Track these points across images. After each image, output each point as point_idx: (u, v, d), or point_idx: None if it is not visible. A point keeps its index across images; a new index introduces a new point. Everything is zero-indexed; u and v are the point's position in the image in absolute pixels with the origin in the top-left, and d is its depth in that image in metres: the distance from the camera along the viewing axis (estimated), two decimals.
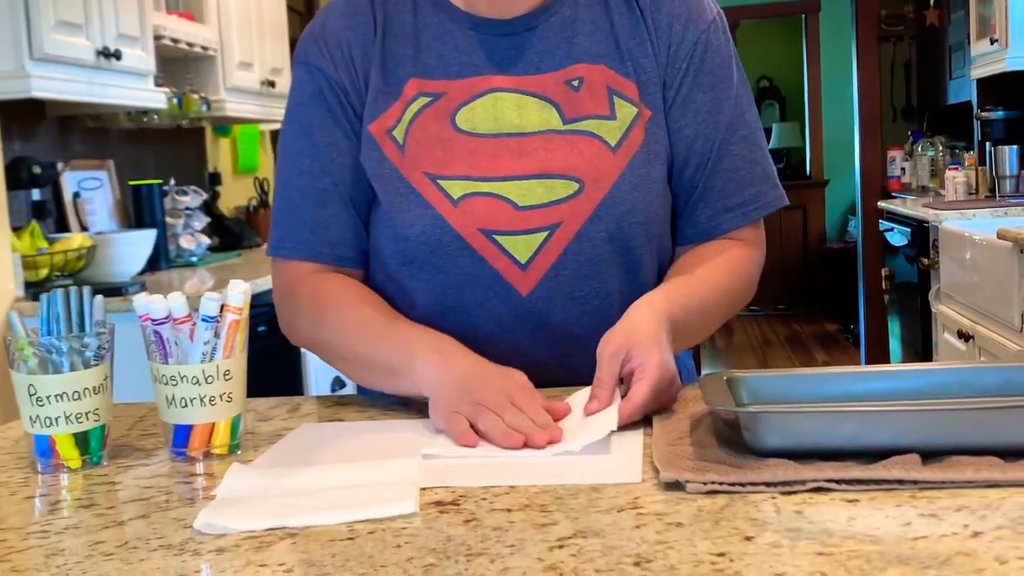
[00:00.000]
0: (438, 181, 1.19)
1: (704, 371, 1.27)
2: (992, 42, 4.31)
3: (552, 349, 1.22)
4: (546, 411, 1.03)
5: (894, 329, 5.10)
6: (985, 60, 4.50)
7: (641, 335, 1.06)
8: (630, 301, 1.15)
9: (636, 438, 0.98)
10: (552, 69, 1.22)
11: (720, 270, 1.23)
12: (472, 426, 1.00)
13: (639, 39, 1.23)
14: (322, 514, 0.81)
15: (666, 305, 1.12)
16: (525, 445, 0.97)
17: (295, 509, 0.82)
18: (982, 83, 4.79)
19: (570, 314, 1.21)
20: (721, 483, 0.81)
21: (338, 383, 3.38)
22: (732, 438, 0.91)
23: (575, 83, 1.22)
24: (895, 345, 5.08)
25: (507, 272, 1.19)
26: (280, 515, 0.81)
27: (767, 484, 0.81)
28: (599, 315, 1.20)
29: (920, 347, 4.32)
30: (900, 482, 0.79)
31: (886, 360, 5.50)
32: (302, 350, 3.14)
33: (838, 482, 0.80)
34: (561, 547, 0.72)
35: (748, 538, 0.71)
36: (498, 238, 1.19)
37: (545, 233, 1.19)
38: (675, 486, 0.83)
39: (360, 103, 1.24)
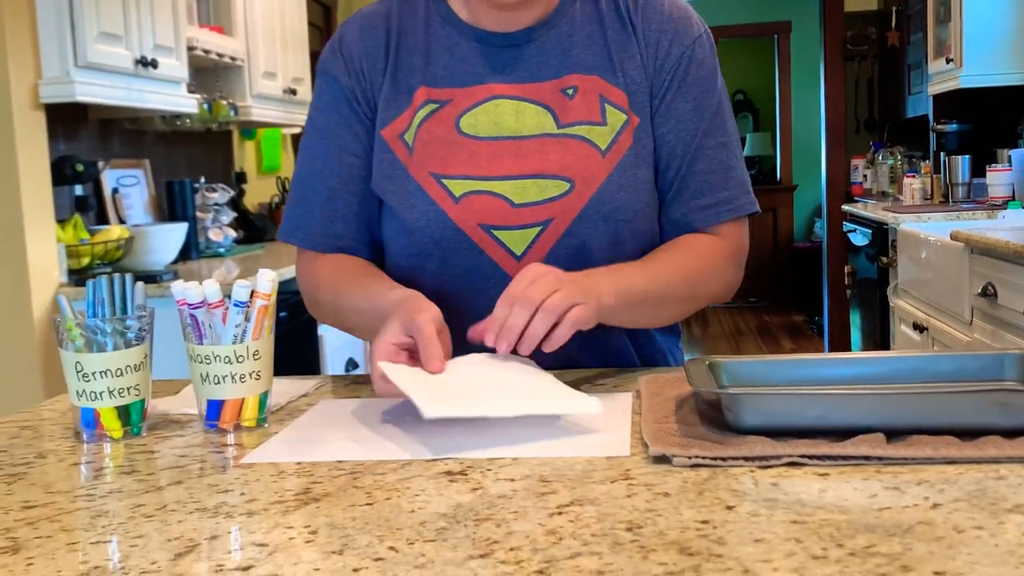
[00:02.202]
0: (442, 180, 1.20)
1: (685, 357, 1.25)
2: (948, 61, 4.31)
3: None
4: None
5: (855, 321, 5.11)
6: (941, 78, 4.50)
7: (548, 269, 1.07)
8: None
9: (626, 416, 0.99)
10: (549, 78, 1.22)
11: (673, 251, 1.22)
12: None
13: (630, 52, 1.23)
14: (511, 404, 0.94)
15: (614, 281, 1.12)
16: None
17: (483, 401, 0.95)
18: (938, 98, 4.79)
19: None
20: (704, 457, 0.81)
21: (352, 364, 3.39)
22: (714, 417, 0.91)
23: (569, 91, 1.22)
24: (856, 336, 5.08)
25: (504, 262, 1.20)
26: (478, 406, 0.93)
27: (746, 459, 0.81)
28: None
29: (879, 338, 4.32)
30: (866, 458, 0.79)
31: (848, 349, 5.51)
32: (319, 333, 3.15)
33: (810, 458, 0.80)
34: (560, 514, 0.72)
35: (729, 507, 0.71)
36: (495, 232, 1.19)
37: (538, 228, 1.19)
38: (662, 460, 0.83)
39: (370, 109, 1.26)
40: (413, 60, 1.25)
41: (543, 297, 1.02)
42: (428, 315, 1.04)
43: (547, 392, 1.00)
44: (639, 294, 1.16)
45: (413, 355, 1.04)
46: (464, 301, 1.21)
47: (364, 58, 1.26)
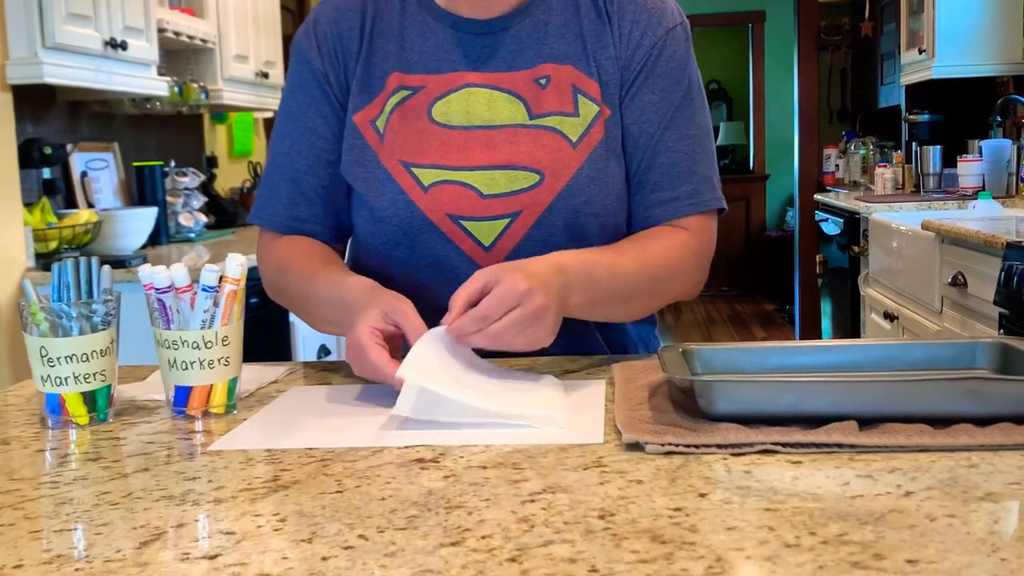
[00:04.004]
0: (411, 169, 1.19)
1: (661, 345, 1.23)
2: (920, 52, 4.33)
3: None
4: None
5: (826, 310, 5.14)
6: (913, 68, 4.53)
7: (513, 266, 1.02)
8: None
9: (598, 403, 0.98)
10: (522, 67, 1.21)
11: (645, 245, 1.19)
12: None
13: (604, 42, 1.22)
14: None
15: (565, 258, 1.08)
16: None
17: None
18: (910, 89, 4.82)
19: None
20: (677, 444, 0.81)
21: (324, 351, 3.37)
22: (687, 404, 0.91)
23: (542, 81, 1.20)
24: (827, 324, 5.12)
25: (472, 253, 1.19)
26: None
27: (719, 446, 0.80)
28: None
29: (849, 326, 4.35)
30: (839, 446, 0.79)
31: (818, 338, 5.54)
32: (291, 319, 3.13)
33: (783, 445, 0.80)
34: (532, 501, 0.71)
35: (702, 495, 0.71)
36: (464, 223, 1.18)
37: (507, 220, 1.18)
38: (635, 447, 0.82)
39: (342, 93, 1.24)
40: (387, 45, 1.23)
41: (511, 325, 0.98)
42: (410, 304, 1.05)
43: (519, 401, 0.98)
44: (604, 297, 1.13)
45: (392, 342, 1.04)
46: (433, 290, 1.20)
47: (338, 41, 1.24)
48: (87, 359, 0.97)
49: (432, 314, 1.17)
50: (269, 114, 4.66)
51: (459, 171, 1.18)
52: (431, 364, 0.97)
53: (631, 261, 1.16)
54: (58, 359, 0.96)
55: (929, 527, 0.63)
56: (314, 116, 1.24)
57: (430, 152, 1.19)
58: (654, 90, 1.21)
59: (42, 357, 0.96)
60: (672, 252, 1.20)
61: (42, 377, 0.97)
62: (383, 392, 1.05)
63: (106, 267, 1.02)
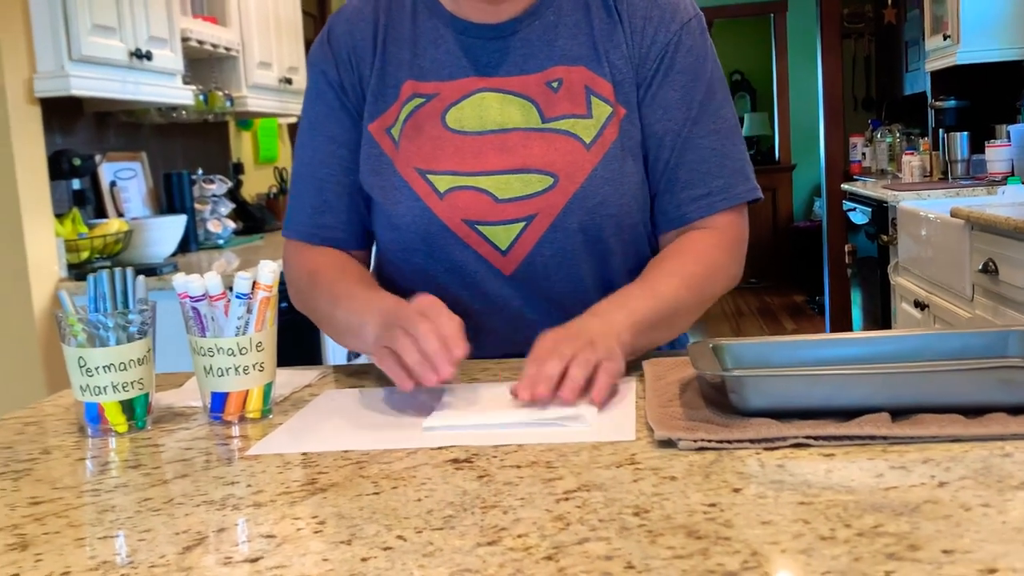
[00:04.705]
0: (427, 176, 1.20)
1: (690, 340, 1.23)
2: (945, 38, 4.30)
3: (535, 323, 1.21)
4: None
5: (856, 300, 5.11)
6: (938, 54, 4.49)
7: (575, 335, 1.03)
8: (600, 286, 1.18)
9: (630, 401, 0.99)
10: (534, 71, 1.21)
11: (680, 261, 1.19)
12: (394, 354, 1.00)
13: (616, 41, 1.21)
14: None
15: (627, 315, 1.09)
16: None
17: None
18: (935, 75, 4.78)
19: (546, 294, 1.22)
20: (710, 440, 0.81)
21: (353, 353, 3.38)
22: (718, 400, 0.91)
23: (554, 84, 1.20)
24: (857, 314, 5.08)
25: (490, 257, 1.20)
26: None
27: (752, 441, 0.81)
28: (573, 298, 1.20)
29: (879, 316, 4.32)
30: (872, 438, 0.80)
31: (849, 328, 5.51)
32: None
33: (816, 438, 0.80)
34: (567, 499, 0.72)
35: (736, 490, 0.71)
36: (480, 227, 1.19)
37: (522, 224, 1.18)
38: (668, 444, 0.83)
39: (358, 102, 1.26)
40: (401, 53, 1.24)
41: (572, 352, 0.99)
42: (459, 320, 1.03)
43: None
44: (652, 319, 1.12)
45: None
46: (453, 295, 1.21)
47: (352, 51, 1.26)
48: (125, 368, 0.98)
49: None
50: (293, 119, 4.69)
51: (474, 176, 1.19)
52: (457, 406, 1.00)
53: (665, 278, 1.16)
54: (96, 369, 0.98)
55: (964, 517, 0.64)
56: (333, 125, 1.26)
57: (445, 159, 1.20)
58: (675, 87, 1.21)
59: (80, 367, 0.98)
60: (704, 256, 1.20)
61: (81, 387, 0.99)
62: (415, 394, 1.06)
63: (140, 277, 1.04)
